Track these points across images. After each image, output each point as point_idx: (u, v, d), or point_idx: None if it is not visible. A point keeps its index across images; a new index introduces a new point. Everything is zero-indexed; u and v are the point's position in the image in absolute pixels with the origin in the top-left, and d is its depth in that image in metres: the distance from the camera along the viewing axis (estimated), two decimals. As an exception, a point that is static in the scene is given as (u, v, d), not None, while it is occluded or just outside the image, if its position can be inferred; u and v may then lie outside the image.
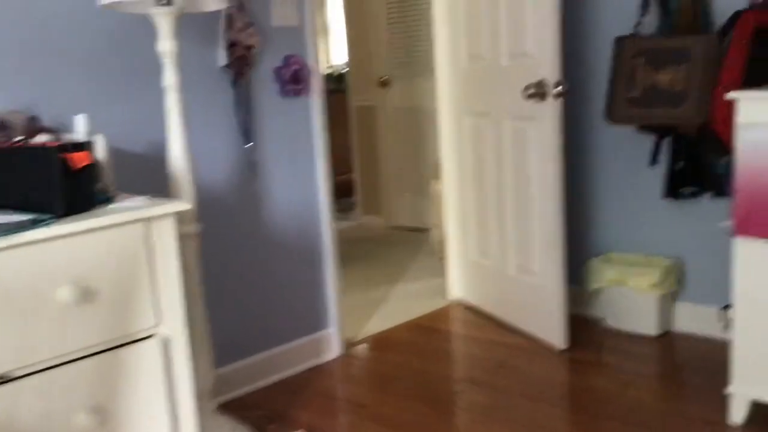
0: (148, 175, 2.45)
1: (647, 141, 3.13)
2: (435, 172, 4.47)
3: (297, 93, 2.95)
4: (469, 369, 3.10)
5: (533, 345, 3.20)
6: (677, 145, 3.05)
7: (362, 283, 4.18)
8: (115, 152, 2.26)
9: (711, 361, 2.89)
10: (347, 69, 5.89)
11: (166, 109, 2.21)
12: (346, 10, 5.66)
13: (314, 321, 3.14)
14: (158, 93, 2.25)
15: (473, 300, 3.72)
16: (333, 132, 3.11)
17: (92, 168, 1.78)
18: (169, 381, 1.92)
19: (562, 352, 3.09)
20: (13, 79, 2.23)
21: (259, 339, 2.94)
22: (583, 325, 3.35)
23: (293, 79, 2.92)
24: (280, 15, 2.87)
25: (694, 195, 3.09)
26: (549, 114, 2.95)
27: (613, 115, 3.05)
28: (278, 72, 2.89)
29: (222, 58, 2.69)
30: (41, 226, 1.67)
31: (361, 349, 3.31)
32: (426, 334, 3.49)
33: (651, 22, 3.06)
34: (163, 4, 2.11)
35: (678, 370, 2.95)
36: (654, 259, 3.25)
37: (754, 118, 2.25)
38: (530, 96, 2.98)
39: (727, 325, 2.73)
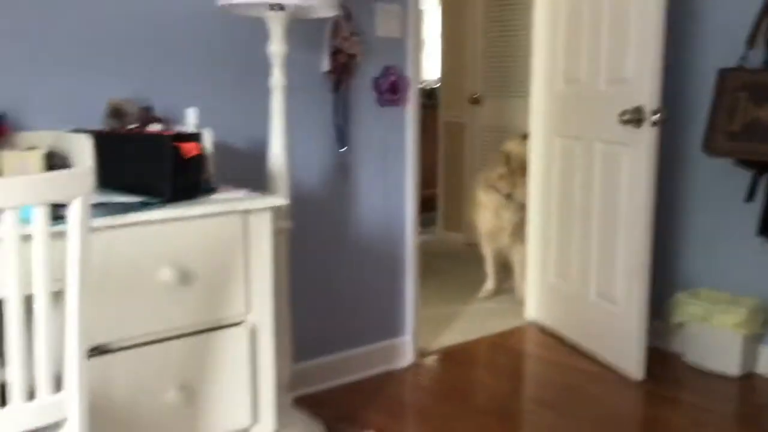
0: (248, 170, 2.55)
1: (744, 176, 3.05)
2: (488, 176, 4.24)
3: (393, 103, 3.01)
4: (541, 390, 3.08)
5: (608, 373, 3.15)
6: (776, 183, 2.98)
7: (438, 297, 4.20)
8: (219, 146, 2.36)
9: (795, 408, 2.80)
10: (438, 84, 5.93)
11: (271, 108, 2.30)
12: (444, 24, 5.70)
13: (391, 327, 3.18)
14: (263, 93, 2.35)
15: (549, 322, 3.69)
16: (420, 147, 3.15)
17: (200, 158, 1.88)
18: (253, 368, 1.99)
19: (638, 383, 3.03)
20: (131, 70, 2.36)
21: (336, 339, 3.01)
22: (661, 359, 3.28)
23: (390, 89, 2.98)
24: (384, 26, 2.95)
25: (789, 235, 3.01)
26: (644, 141, 2.92)
27: (711, 147, 3.00)
28: (377, 81, 2.96)
29: (325, 64, 2.78)
30: (149, 209, 1.77)
31: (434, 359, 3.34)
32: (499, 351, 3.49)
33: (757, 56, 2.99)
34: (276, 9, 2.20)
35: (758, 413, 2.86)
36: (742, 298, 3.16)
37: None
38: (626, 121, 2.96)
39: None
